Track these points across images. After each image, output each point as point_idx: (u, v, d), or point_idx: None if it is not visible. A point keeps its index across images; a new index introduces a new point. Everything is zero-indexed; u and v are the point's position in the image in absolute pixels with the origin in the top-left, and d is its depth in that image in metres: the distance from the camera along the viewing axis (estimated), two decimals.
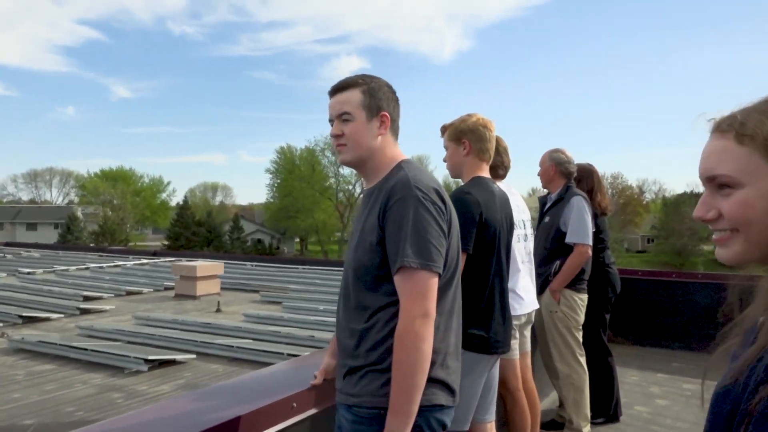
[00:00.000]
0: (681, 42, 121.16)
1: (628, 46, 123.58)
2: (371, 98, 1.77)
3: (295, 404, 1.96)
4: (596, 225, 4.25)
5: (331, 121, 1.82)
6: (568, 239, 3.87)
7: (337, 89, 1.80)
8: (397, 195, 1.66)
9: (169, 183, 78.77)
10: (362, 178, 1.90)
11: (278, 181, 57.96)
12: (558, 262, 3.92)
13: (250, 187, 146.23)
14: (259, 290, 13.92)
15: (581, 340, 3.99)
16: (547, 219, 4.03)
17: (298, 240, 62.01)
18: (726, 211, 0.83)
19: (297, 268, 18.21)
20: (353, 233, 1.83)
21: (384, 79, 1.85)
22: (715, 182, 0.85)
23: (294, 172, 56.67)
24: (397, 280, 1.64)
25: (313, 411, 2.04)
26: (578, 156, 4.26)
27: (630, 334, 6.85)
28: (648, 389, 5.31)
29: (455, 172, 2.72)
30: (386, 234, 1.66)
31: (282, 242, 61.42)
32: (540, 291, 3.88)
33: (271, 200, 59.72)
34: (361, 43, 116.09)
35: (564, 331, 3.92)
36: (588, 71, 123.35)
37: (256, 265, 19.32)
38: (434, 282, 1.65)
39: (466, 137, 2.63)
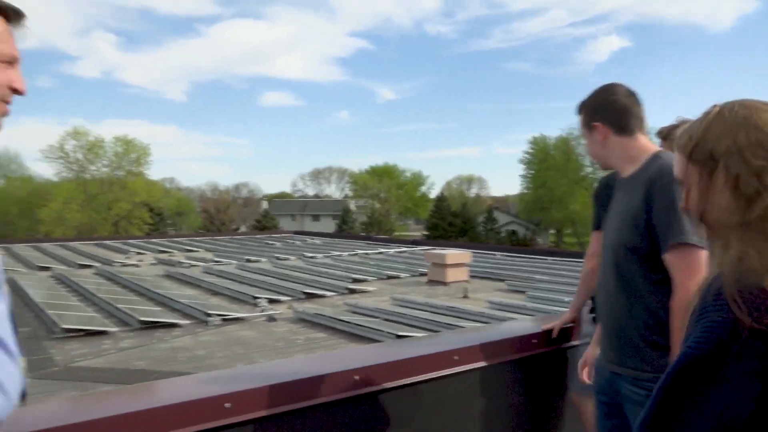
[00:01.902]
0: None
1: None
2: (584, 117, 2.09)
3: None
4: None
5: None
6: None
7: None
8: (662, 179, 1.84)
9: (428, 176, 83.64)
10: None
11: (532, 171, 57.20)
12: None
13: (505, 178, 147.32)
14: (505, 279, 14.31)
15: None
16: None
17: (553, 231, 60.58)
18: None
19: (545, 260, 18.13)
20: (611, 217, 2.06)
21: (596, 91, 2.08)
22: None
23: (547, 161, 55.12)
24: (671, 256, 1.81)
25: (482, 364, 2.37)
26: None
27: None
28: None
29: None
30: (655, 214, 1.83)
31: (536, 234, 60.69)
32: None
33: (525, 191, 59.23)
34: (621, 20, 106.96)
35: None
36: None
37: (504, 255, 19.73)
38: (704, 257, 1.79)
39: None
